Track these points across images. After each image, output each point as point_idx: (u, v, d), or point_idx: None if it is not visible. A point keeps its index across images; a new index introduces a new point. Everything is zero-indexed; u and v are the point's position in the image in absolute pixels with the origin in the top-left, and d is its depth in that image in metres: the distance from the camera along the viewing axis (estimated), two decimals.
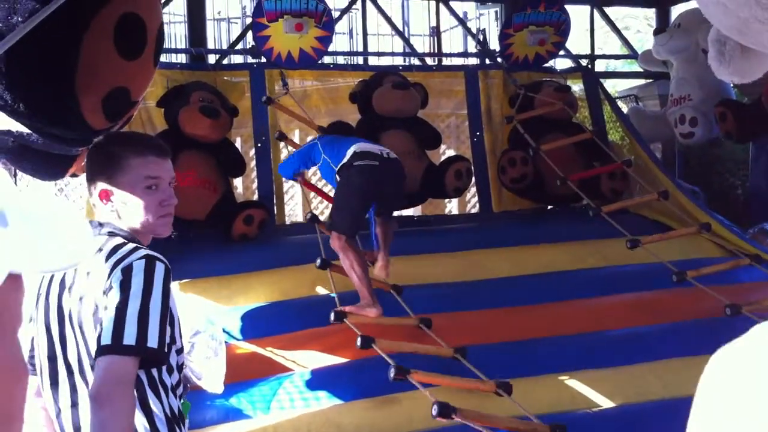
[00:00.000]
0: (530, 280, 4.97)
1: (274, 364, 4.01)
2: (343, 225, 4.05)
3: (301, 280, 4.63)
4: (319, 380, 3.84)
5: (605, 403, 3.90)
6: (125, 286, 1.82)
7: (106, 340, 1.78)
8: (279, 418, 3.63)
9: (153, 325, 1.82)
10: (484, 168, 6.32)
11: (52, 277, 1.98)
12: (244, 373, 3.77)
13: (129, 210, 2.02)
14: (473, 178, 6.03)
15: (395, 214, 4.61)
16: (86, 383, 1.91)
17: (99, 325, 1.85)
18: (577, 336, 4.36)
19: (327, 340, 4.10)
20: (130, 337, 1.78)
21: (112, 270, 1.86)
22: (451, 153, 6.80)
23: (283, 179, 5.47)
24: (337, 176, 4.23)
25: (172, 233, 5.47)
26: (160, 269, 1.88)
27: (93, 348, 1.86)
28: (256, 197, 5.78)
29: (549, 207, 6.44)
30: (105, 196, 2.00)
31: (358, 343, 3.60)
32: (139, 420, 1.86)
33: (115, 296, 1.81)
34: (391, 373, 3.37)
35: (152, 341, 1.81)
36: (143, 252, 1.90)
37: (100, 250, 1.92)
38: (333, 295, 4.10)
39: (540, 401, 3.70)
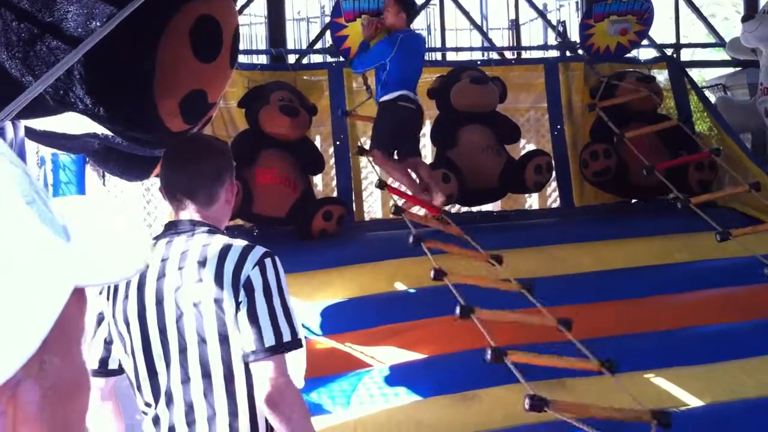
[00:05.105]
0: (614, 275, 4.85)
1: (354, 360, 4.03)
2: (383, 144, 4.97)
3: (380, 275, 4.64)
4: (398, 376, 3.84)
5: (693, 401, 3.77)
6: (266, 285, 1.91)
7: (270, 341, 1.88)
8: (359, 414, 3.64)
9: (295, 318, 1.95)
10: (565, 162, 6.20)
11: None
12: (324, 369, 3.81)
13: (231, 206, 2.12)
14: (554, 173, 5.94)
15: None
16: (185, 371, 1.95)
17: (224, 323, 1.91)
18: (663, 332, 4.24)
19: (405, 336, 4.10)
20: (287, 334, 1.90)
21: (239, 269, 1.92)
22: (531, 147, 6.69)
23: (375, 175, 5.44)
24: (379, 106, 5.04)
25: (253, 230, 5.57)
26: (280, 264, 1.98)
27: (212, 338, 1.92)
28: (335, 194, 5.83)
29: (633, 201, 6.28)
30: (232, 192, 2.10)
31: (457, 311, 3.48)
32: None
33: (260, 296, 1.90)
34: (488, 356, 3.23)
35: (299, 332, 1.95)
36: (263, 249, 1.98)
37: (205, 246, 1.96)
38: (412, 291, 4.09)
39: (624, 399, 3.60)
